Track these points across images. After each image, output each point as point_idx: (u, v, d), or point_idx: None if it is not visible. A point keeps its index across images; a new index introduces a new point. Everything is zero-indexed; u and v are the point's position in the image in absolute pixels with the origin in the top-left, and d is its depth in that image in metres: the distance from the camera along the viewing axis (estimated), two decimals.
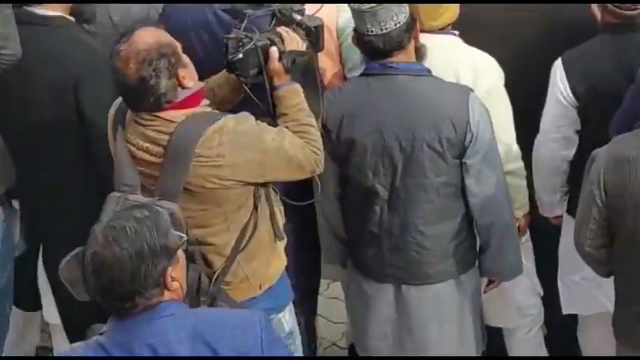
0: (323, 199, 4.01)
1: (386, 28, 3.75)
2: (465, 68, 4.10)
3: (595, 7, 4.22)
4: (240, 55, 3.59)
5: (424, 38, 4.00)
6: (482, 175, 3.82)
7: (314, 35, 3.80)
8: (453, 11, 4.21)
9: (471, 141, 3.77)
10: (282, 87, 3.68)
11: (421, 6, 4.08)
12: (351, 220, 4.02)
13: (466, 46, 4.20)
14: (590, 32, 4.26)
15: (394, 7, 3.76)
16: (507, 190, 3.96)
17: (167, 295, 2.79)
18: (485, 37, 4.35)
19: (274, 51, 3.67)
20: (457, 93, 3.82)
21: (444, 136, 3.76)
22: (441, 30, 4.19)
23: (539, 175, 4.38)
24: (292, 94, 3.69)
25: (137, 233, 2.74)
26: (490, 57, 4.17)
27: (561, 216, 4.48)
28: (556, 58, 4.26)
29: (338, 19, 4.47)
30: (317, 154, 3.61)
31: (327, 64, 4.48)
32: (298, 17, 3.80)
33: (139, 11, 4.63)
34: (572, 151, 4.29)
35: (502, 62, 4.18)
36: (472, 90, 3.84)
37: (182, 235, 2.92)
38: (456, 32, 4.25)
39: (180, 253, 2.86)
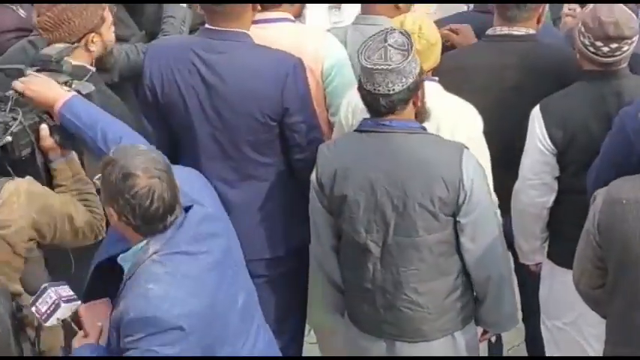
0: (319, 251, 4.03)
1: (393, 90, 3.73)
2: (444, 116, 4.09)
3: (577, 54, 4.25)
4: (9, 138, 3.62)
5: None
6: (477, 232, 3.81)
7: None
8: (434, 58, 4.23)
9: (464, 200, 3.76)
10: (57, 160, 3.81)
11: None
12: (346, 274, 4.02)
13: (446, 93, 4.22)
14: (573, 79, 4.30)
15: (406, 70, 3.72)
16: (504, 242, 3.95)
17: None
18: (467, 82, 4.41)
19: (44, 129, 3.75)
20: (451, 151, 3.81)
21: (437, 196, 3.75)
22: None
23: (518, 222, 4.38)
24: (68, 166, 3.84)
25: (154, 160, 3.30)
26: (470, 105, 4.19)
27: (540, 263, 4.49)
28: (536, 104, 4.29)
29: (323, 62, 4.48)
30: (99, 221, 3.80)
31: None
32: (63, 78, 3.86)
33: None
34: (552, 198, 4.30)
35: (483, 108, 4.21)
36: (467, 147, 3.84)
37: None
38: (436, 78, 4.27)
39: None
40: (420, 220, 3.77)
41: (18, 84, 3.79)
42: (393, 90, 3.72)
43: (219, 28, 4.23)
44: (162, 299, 3.24)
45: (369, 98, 3.77)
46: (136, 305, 3.24)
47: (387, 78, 3.70)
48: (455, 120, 4.11)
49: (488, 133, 4.16)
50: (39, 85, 3.79)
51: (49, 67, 3.89)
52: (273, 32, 4.47)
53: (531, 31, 4.53)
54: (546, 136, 4.21)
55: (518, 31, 4.51)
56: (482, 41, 4.59)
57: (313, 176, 3.93)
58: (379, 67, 3.69)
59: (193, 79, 4.21)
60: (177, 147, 4.38)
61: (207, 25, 4.29)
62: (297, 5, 4.65)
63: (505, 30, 4.51)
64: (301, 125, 4.27)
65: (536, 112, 4.24)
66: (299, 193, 4.23)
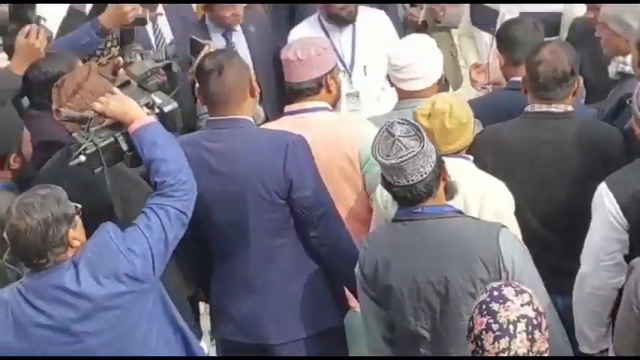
0: (373, 344, 3.97)
1: (412, 180, 3.73)
2: (472, 192, 4.09)
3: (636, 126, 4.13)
4: (83, 159, 3.83)
5: None
6: None
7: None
8: (467, 136, 4.24)
9: (507, 280, 3.70)
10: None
11: (437, 131, 4.13)
12: None
13: (477, 170, 4.22)
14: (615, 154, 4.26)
15: (420, 159, 3.72)
16: (557, 318, 3.86)
17: (70, 251, 3.65)
18: (505, 159, 4.38)
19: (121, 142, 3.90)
20: (487, 231, 3.78)
21: (478, 278, 3.71)
22: (455, 154, 4.21)
23: (584, 308, 4.15)
24: None
25: (42, 205, 3.58)
26: (499, 182, 4.18)
27: (607, 350, 4.22)
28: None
29: (360, 150, 4.50)
30: None
31: (349, 194, 4.55)
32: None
33: None
34: (623, 278, 3.98)
35: (521, 185, 4.18)
36: (504, 226, 3.80)
37: (77, 205, 3.68)
38: (470, 157, 4.27)
39: (78, 219, 3.68)
40: (462, 304, 3.72)
41: (97, 105, 3.92)
42: (413, 180, 3.73)
43: (221, 117, 4.31)
44: None
45: (403, 192, 3.76)
46: None
47: (403, 171, 3.71)
48: (482, 195, 4.10)
49: (524, 211, 4.13)
50: (117, 106, 3.90)
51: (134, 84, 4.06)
52: (311, 120, 4.52)
53: (569, 108, 4.49)
54: (619, 211, 4.03)
55: (557, 108, 4.47)
56: (520, 118, 4.55)
57: (357, 270, 3.93)
58: (405, 158, 3.70)
59: (204, 170, 4.25)
60: (205, 244, 4.44)
61: (209, 117, 4.39)
62: (334, 93, 4.69)
63: (544, 107, 4.47)
64: (309, 200, 4.28)
65: (603, 190, 4.07)
66: (322, 272, 4.28)
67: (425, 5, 6.61)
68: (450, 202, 3.86)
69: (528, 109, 4.52)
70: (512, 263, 3.73)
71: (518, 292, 3.25)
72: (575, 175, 4.30)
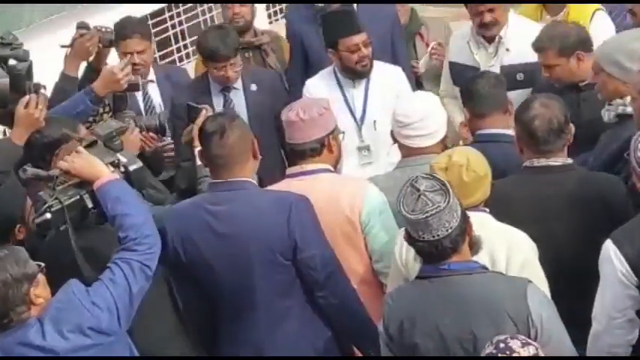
0: None
1: (438, 235, 3.71)
2: (498, 244, 4.10)
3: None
4: (48, 216, 3.93)
5: None
6: None
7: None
8: (484, 189, 4.27)
9: (535, 336, 3.67)
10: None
11: (454, 184, 4.09)
12: None
13: (497, 222, 4.23)
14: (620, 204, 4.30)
15: (446, 214, 3.71)
16: None
17: (34, 309, 3.73)
18: (510, 214, 4.37)
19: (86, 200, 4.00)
20: (514, 287, 3.76)
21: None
22: (474, 207, 4.22)
23: None
24: None
25: (0, 267, 3.66)
26: (521, 232, 4.19)
27: None
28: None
29: (361, 210, 4.51)
30: None
31: (352, 256, 4.55)
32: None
33: None
34: (636, 334, 4.03)
35: (532, 239, 4.19)
36: (530, 281, 3.80)
37: (40, 263, 3.76)
38: (487, 210, 4.29)
39: (41, 277, 3.75)
40: None
41: (63, 163, 4.04)
42: (438, 235, 3.71)
43: (223, 180, 4.32)
44: None
45: (428, 247, 3.74)
46: None
47: (429, 226, 3.70)
48: (509, 245, 4.11)
49: None
50: (82, 165, 4.03)
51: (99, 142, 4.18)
52: (311, 183, 4.53)
53: (568, 161, 4.54)
54: (629, 269, 3.96)
55: (556, 161, 4.51)
56: (521, 174, 4.58)
57: (381, 328, 3.89)
58: (431, 213, 3.69)
59: (207, 234, 4.27)
60: (212, 308, 4.43)
61: (212, 180, 4.39)
62: (335, 154, 4.70)
63: (543, 162, 4.51)
64: (315, 260, 4.29)
65: (610, 247, 4.01)
66: (331, 332, 4.32)
67: (426, 56, 6.66)
68: (475, 257, 3.85)
69: (527, 164, 4.54)
70: (541, 320, 3.71)
71: (525, 344, 3.28)
72: (581, 228, 4.32)
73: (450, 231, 3.71)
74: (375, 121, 5.74)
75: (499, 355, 3.22)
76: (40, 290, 3.77)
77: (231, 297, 4.34)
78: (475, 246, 3.84)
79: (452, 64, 6.14)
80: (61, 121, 4.84)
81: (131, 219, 3.95)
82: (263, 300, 4.31)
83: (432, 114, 4.78)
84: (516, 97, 5.28)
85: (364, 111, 5.84)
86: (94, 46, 5.65)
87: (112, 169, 4.10)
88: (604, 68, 4.96)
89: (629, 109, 4.75)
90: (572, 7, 6.15)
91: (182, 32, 9.75)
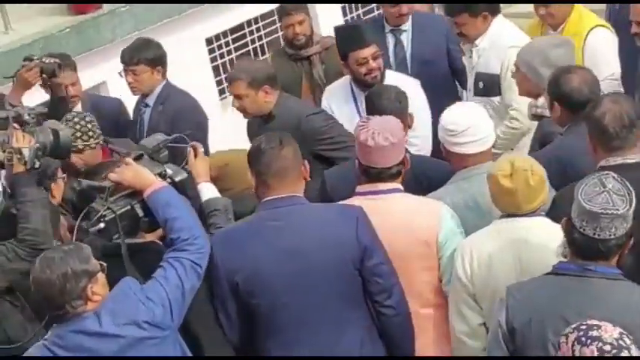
0: None
1: (599, 236, 3.67)
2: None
3: None
4: (102, 225, 4.08)
5: (520, 223, 4.15)
6: None
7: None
8: (546, 191, 4.28)
9: None
10: None
11: (520, 190, 4.17)
12: None
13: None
14: None
15: (619, 221, 3.66)
16: None
17: (90, 305, 3.85)
18: None
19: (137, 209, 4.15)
20: None
21: None
22: (533, 212, 4.23)
23: None
24: None
25: (63, 260, 3.81)
26: None
27: None
28: None
29: (438, 233, 4.46)
30: None
31: (424, 278, 4.50)
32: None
33: None
34: None
35: None
36: None
37: (102, 263, 3.91)
38: (543, 212, 4.29)
39: (101, 275, 3.89)
40: None
41: (113, 175, 4.18)
42: (615, 235, 3.67)
43: (277, 196, 4.29)
44: None
45: (583, 241, 3.69)
46: None
47: (612, 223, 3.66)
48: None
49: None
50: (131, 176, 4.17)
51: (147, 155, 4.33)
52: (383, 204, 4.48)
53: None
54: None
55: (632, 158, 4.43)
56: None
57: (503, 320, 3.81)
58: (608, 212, 3.65)
59: (271, 251, 4.23)
60: (255, 333, 4.37)
61: (264, 200, 4.32)
62: (403, 173, 4.63)
63: (619, 160, 4.42)
64: (383, 267, 4.29)
65: None
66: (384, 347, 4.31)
67: None
68: None
69: (602, 163, 4.43)
70: None
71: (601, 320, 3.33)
72: None
73: (612, 237, 3.68)
74: None
75: (588, 332, 3.28)
76: (99, 288, 3.88)
77: (290, 312, 4.27)
78: (622, 261, 3.77)
79: None
80: None
81: (182, 222, 4.08)
82: (326, 313, 4.27)
83: (481, 120, 4.78)
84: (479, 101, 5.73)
85: None
86: (35, 77, 5.89)
87: (159, 179, 4.22)
88: (520, 68, 5.31)
89: (540, 110, 5.11)
90: (570, 23, 6.23)
91: (262, 47, 9.84)
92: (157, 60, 6.26)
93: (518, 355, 3.79)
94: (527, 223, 4.24)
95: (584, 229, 3.67)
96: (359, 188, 4.62)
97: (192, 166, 4.58)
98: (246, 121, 5.98)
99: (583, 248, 3.72)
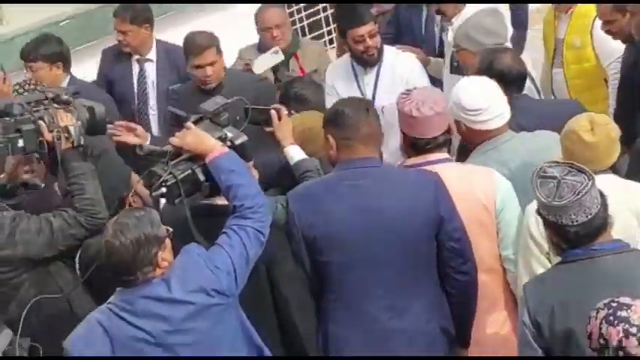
0: None
1: (591, 214, 3.71)
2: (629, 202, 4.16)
3: None
4: (164, 190, 4.08)
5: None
6: None
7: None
8: (617, 150, 4.34)
9: None
10: None
11: (603, 143, 4.25)
12: None
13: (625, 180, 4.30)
14: None
15: (594, 190, 3.71)
16: None
17: (159, 271, 3.85)
18: None
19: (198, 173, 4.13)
20: None
21: None
22: (602, 171, 4.28)
23: None
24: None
25: (136, 226, 3.80)
26: None
27: None
28: None
29: (495, 198, 4.50)
30: None
31: (483, 244, 4.51)
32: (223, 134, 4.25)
33: None
34: None
35: None
36: None
37: (168, 228, 3.89)
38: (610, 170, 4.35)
39: (168, 241, 3.88)
40: None
41: (175, 140, 4.18)
42: (591, 214, 3.71)
43: (357, 157, 4.31)
44: (76, 337, 3.87)
45: (583, 229, 3.73)
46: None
47: (592, 195, 3.71)
48: None
49: None
50: (192, 141, 4.15)
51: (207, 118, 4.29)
52: (440, 172, 4.46)
53: None
54: None
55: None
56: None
57: (526, 319, 3.83)
58: (584, 192, 3.69)
59: (348, 209, 4.25)
60: (324, 292, 4.39)
61: (342, 159, 4.35)
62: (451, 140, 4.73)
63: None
64: (459, 233, 4.31)
65: None
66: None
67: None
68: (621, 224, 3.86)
69: None
70: None
71: (634, 298, 3.32)
72: None
73: (599, 207, 3.72)
74: (382, 107, 5.81)
75: (617, 312, 3.27)
76: (167, 254, 3.90)
77: (361, 272, 4.28)
78: (610, 224, 3.81)
79: None
80: None
81: (245, 189, 4.07)
82: (398, 275, 4.29)
83: (497, 94, 4.82)
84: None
85: (373, 97, 6.06)
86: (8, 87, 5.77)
87: (220, 143, 4.20)
88: (461, 45, 5.48)
89: None
90: (580, 5, 6.37)
91: (302, 28, 9.74)
92: (56, 56, 6.32)
93: (551, 353, 3.80)
94: (599, 180, 4.18)
95: (575, 221, 3.72)
96: (408, 161, 4.64)
97: (277, 129, 4.62)
98: None
99: (584, 235, 3.75)
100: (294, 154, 4.68)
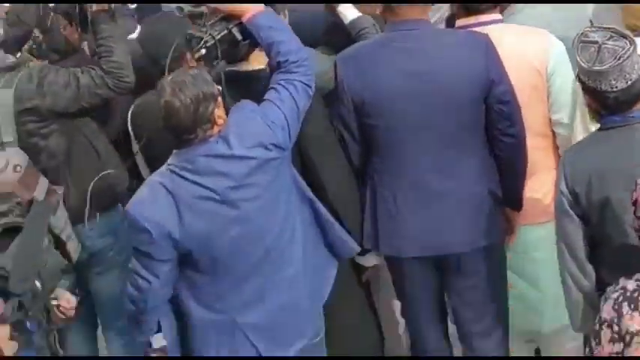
0: (574, 267, 3.84)
1: (632, 79, 3.64)
2: None
3: None
4: (203, 51, 4.03)
5: None
6: None
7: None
8: None
9: None
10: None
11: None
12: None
13: None
14: None
15: (635, 55, 3.63)
16: None
17: (216, 128, 3.86)
18: None
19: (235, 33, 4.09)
20: None
21: None
22: None
23: None
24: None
25: (194, 84, 3.78)
26: None
27: None
28: None
29: (548, 60, 4.41)
30: None
31: (535, 108, 4.44)
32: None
33: None
34: None
35: None
36: None
37: (218, 87, 3.90)
38: None
39: (220, 99, 3.87)
40: None
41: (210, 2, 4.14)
42: (632, 79, 3.63)
43: (405, 18, 4.23)
44: (138, 201, 3.86)
45: (623, 96, 3.66)
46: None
47: (623, 70, 3.62)
48: None
49: None
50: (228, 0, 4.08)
51: None
52: (494, 35, 4.37)
53: None
54: None
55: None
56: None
57: (563, 187, 3.80)
58: (625, 57, 3.60)
59: (396, 70, 4.20)
60: (371, 155, 4.38)
61: (392, 20, 4.27)
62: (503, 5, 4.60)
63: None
64: (509, 96, 4.25)
65: None
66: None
67: None
68: None
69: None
70: None
71: None
72: None
73: (639, 73, 3.64)
74: None
75: None
76: (221, 112, 3.90)
77: (410, 136, 4.26)
78: None
79: None
80: None
81: (287, 45, 4.06)
82: (446, 137, 4.25)
83: None
84: None
85: None
86: None
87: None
88: None
89: None
90: None
91: None
92: None
93: (587, 220, 3.77)
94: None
95: (615, 87, 3.64)
96: (458, 22, 4.53)
97: None
98: None
99: (623, 102, 3.68)
100: (347, 13, 4.61)
